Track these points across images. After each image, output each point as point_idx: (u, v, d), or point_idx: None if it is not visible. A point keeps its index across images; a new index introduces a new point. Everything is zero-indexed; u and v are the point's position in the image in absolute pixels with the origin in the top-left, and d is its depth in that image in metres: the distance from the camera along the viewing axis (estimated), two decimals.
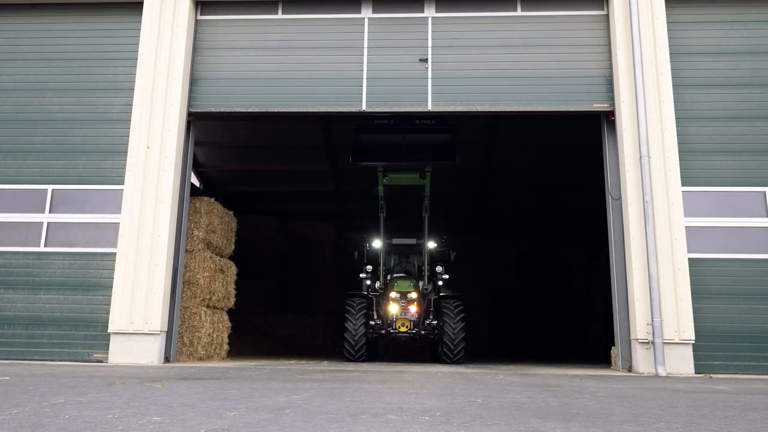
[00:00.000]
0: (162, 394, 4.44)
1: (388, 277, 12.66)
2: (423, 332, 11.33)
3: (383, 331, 11.26)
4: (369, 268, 12.25)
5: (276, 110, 9.58)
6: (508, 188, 20.92)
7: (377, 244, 13.19)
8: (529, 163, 19.36)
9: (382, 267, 12.66)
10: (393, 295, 11.36)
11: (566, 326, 21.36)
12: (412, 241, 13.27)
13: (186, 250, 9.80)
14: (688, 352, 8.14)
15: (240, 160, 20.58)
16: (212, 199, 10.58)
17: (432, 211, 13.58)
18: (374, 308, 11.72)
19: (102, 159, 9.30)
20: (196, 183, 20.91)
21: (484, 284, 21.55)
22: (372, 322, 11.34)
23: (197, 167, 20.45)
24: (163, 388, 4.90)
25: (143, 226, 8.86)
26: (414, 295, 11.32)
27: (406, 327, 11.13)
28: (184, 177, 9.36)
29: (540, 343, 21.15)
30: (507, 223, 22.63)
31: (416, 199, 14.20)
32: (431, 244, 13.03)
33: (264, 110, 9.58)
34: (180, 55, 9.37)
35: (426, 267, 12.38)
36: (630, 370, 8.45)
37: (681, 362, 8.10)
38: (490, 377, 6.85)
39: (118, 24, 9.77)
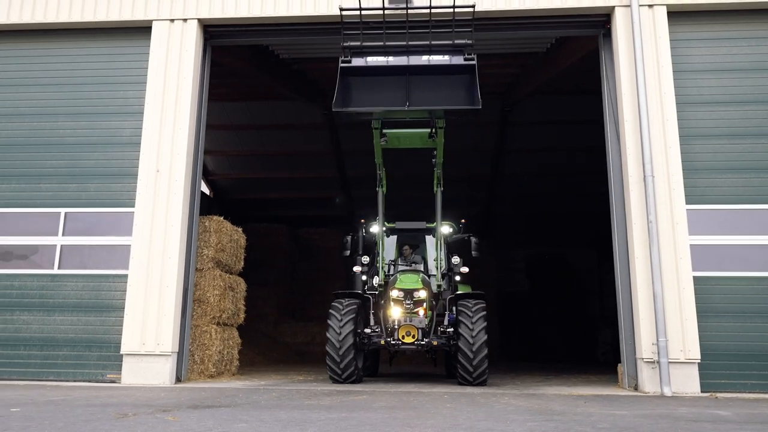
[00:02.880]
0: (173, 430, 4.57)
1: (391, 271, 10.24)
2: (435, 342, 8.97)
3: (382, 342, 8.94)
4: (365, 260, 10.13)
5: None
6: (516, 190, 21.06)
7: (375, 228, 10.60)
8: (540, 167, 19.51)
9: (381, 258, 9.94)
10: (394, 294, 8.87)
11: (577, 329, 21.37)
12: (421, 225, 10.63)
13: (196, 268, 9.96)
14: (694, 372, 8.18)
15: (249, 168, 20.87)
16: (221, 218, 10.74)
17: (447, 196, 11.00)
18: (371, 311, 9.56)
19: (113, 182, 9.48)
20: (206, 191, 21.18)
21: (494, 287, 21.62)
22: (368, 330, 9.18)
23: (207, 176, 20.75)
24: (174, 421, 5.04)
25: (154, 248, 9.03)
26: (422, 294, 8.84)
27: (413, 336, 8.64)
28: (193, 199, 9.52)
29: (552, 346, 21.21)
30: (516, 226, 22.74)
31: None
32: (446, 230, 10.63)
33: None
34: (188, 79, 9.54)
35: (439, 258, 9.87)
36: (636, 388, 8.50)
37: (687, 381, 8.15)
38: (495, 400, 6.94)
39: (127, 48, 9.95)
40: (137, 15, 9.79)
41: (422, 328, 8.78)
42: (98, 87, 9.93)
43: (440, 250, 9.94)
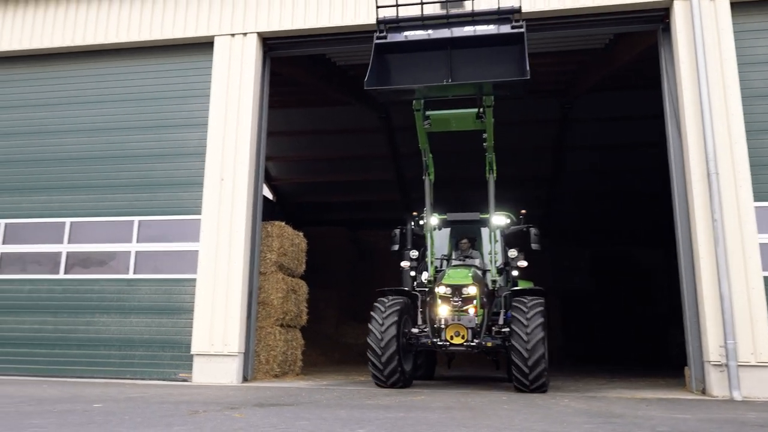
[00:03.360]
0: (239, 427, 4.85)
1: (443, 266, 9.57)
2: (490, 343, 8.22)
3: (429, 343, 8.36)
4: (413, 254, 9.40)
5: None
6: (578, 188, 20.67)
7: (428, 220, 9.68)
8: (602, 164, 19.11)
9: (431, 253, 9.22)
10: (441, 290, 8.20)
11: (647, 330, 20.75)
12: (474, 215, 9.77)
13: (260, 272, 10.35)
14: (766, 375, 7.87)
15: (309, 172, 21.37)
16: (283, 223, 11.10)
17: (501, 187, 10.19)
18: (419, 310, 9.03)
19: (181, 191, 10.00)
20: (270, 196, 21.83)
21: (556, 286, 21.27)
22: (415, 330, 8.64)
23: (270, 181, 21.40)
24: (241, 418, 5.32)
25: (220, 253, 9.46)
26: (472, 290, 8.11)
27: (462, 337, 7.95)
28: (255, 205, 9.91)
29: (618, 347, 20.69)
30: (579, 224, 22.32)
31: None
32: (501, 220, 9.86)
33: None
34: (249, 91, 9.94)
35: (494, 251, 9.13)
36: (704, 392, 8.26)
37: (758, 385, 7.85)
38: (554, 402, 6.92)
39: (192, 63, 10.47)
40: (201, 32, 10.28)
41: (472, 328, 8.02)
42: (166, 101, 10.48)
43: (494, 242, 9.10)
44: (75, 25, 10.84)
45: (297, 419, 5.29)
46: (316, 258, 14.41)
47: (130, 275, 9.92)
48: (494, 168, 9.02)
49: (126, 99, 10.66)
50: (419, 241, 9.96)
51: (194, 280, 9.56)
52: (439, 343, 8.15)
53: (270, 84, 10.60)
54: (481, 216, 9.73)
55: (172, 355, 9.47)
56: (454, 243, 9.83)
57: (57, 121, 10.82)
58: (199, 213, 9.78)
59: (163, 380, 9.37)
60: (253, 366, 9.69)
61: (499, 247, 9.46)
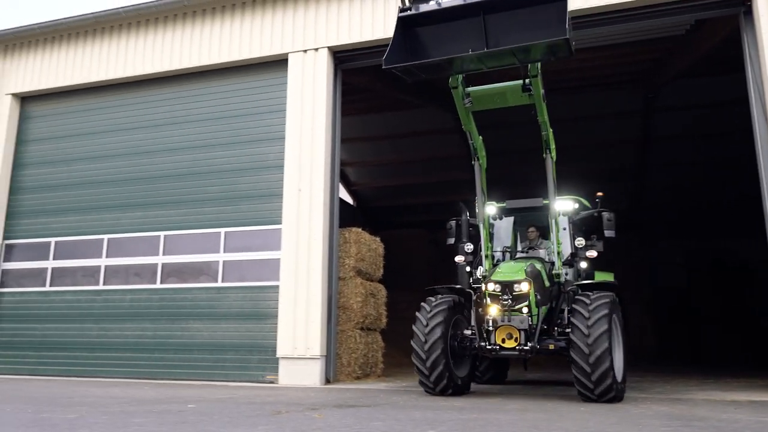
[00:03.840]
0: (317, 426, 5.12)
1: (506, 259, 8.71)
2: (552, 346, 7.25)
3: (477, 346, 7.49)
4: (468, 247, 8.38)
5: None
6: (668, 180, 19.78)
7: (486, 210, 8.50)
8: (691, 154, 18.18)
9: (485, 244, 8.12)
10: (490, 288, 7.27)
11: (751, 328, 19.51)
12: (537, 201, 8.69)
13: (339, 277, 10.71)
14: None
15: (387, 176, 21.71)
16: (360, 229, 11.42)
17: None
18: (473, 309, 8.01)
19: (262, 202, 10.54)
20: (350, 201, 22.37)
21: (647, 285, 20.41)
22: (468, 331, 7.85)
23: (349, 185, 21.93)
24: (320, 418, 5.61)
25: (299, 260, 9.89)
26: (525, 286, 7.12)
27: (515, 340, 7.07)
28: (332, 212, 10.28)
29: (718, 346, 19.58)
30: (670, 217, 21.34)
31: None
32: (567, 206, 8.72)
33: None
34: (321, 103, 10.34)
35: (557, 240, 7.96)
36: None
37: None
38: (635, 404, 6.77)
39: (268, 81, 11.01)
40: (275, 50, 10.79)
41: (525, 330, 7.05)
42: (246, 117, 11.08)
43: (557, 230, 7.94)
44: (162, 53, 11.67)
45: (372, 420, 5.51)
46: (397, 260, 14.65)
47: (219, 283, 10.56)
48: (552, 146, 7.76)
49: (210, 118, 11.35)
50: (478, 233, 8.73)
51: (277, 286, 10.04)
52: (488, 347, 7.24)
53: (343, 93, 10.97)
54: (545, 201, 8.48)
55: (260, 358, 9.99)
56: (521, 233, 9.05)
57: (149, 141, 11.69)
58: (279, 223, 10.27)
59: (252, 382, 9.90)
60: (335, 368, 10.05)
61: (566, 235, 8.51)
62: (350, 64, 10.86)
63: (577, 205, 8.89)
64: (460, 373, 7.82)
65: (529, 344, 7.05)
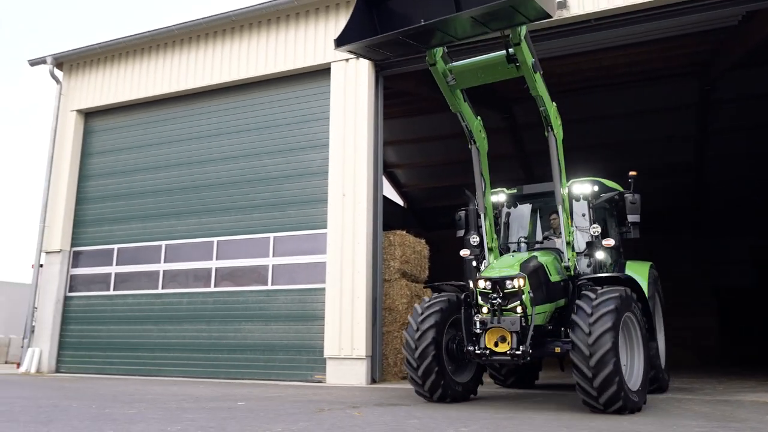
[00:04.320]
0: (355, 423, 5.37)
1: (523, 250, 7.95)
2: (558, 349, 6.46)
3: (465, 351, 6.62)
4: (475, 240, 7.58)
5: None
6: (728, 174, 19.10)
7: (496, 198, 8.29)
8: (753, 146, 17.52)
9: (489, 236, 7.29)
10: (481, 285, 6.48)
11: None
12: (552, 186, 7.15)
13: (384, 279, 10.96)
14: None
15: (436, 177, 21.81)
16: (404, 232, 11.62)
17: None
18: (462, 309, 7.14)
19: (308, 208, 10.91)
20: (400, 202, 22.61)
21: (710, 284, 19.76)
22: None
23: (400, 187, 22.15)
24: (359, 416, 5.86)
25: (345, 263, 10.19)
26: (518, 283, 6.28)
27: (507, 344, 6.23)
28: (375, 216, 10.54)
29: None
30: (732, 213, 20.59)
31: None
32: (584, 189, 7.86)
33: None
34: (363, 110, 10.61)
35: (568, 227, 7.03)
36: None
37: None
38: (676, 405, 6.72)
39: (312, 89, 11.38)
40: (318, 60, 11.15)
41: (517, 332, 6.19)
42: (292, 126, 11.48)
43: (566, 217, 7.01)
44: (212, 67, 12.23)
45: (409, 417, 5.72)
46: (448, 261, 14.73)
47: (269, 286, 10.99)
48: (554, 123, 6.83)
49: (258, 127, 11.81)
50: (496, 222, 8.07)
51: (323, 289, 10.38)
52: (476, 351, 6.39)
53: (390, 96, 11.22)
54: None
55: (308, 358, 10.35)
56: (543, 221, 8.16)
57: (202, 151, 12.26)
58: (325, 227, 10.61)
59: (301, 382, 10.27)
60: (381, 368, 10.29)
61: (585, 222, 7.70)
62: (391, 71, 11.08)
63: (596, 188, 7.87)
64: (461, 378, 7.20)
65: (521, 349, 6.12)
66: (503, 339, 6.27)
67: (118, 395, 8.03)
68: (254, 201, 11.47)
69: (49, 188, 13.42)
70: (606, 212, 8.27)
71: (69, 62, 13.92)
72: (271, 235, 11.16)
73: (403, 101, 14.72)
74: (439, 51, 6.46)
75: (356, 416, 5.86)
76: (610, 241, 7.38)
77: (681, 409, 6.33)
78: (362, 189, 10.39)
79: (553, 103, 6.81)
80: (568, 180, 7.49)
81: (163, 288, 12.06)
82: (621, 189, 8.23)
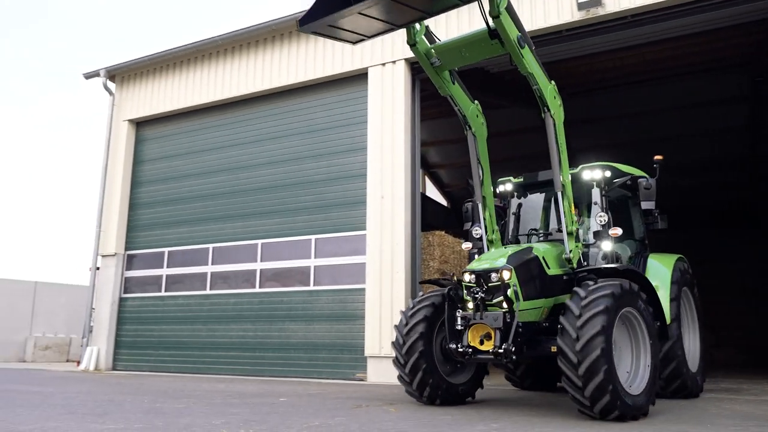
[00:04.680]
0: (389, 419, 5.55)
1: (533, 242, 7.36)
2: (554, 349, 5.62)
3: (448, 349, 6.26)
4: (477, 232, 7.16)
5: None
6: None
7: (503, 187, 7.93)
8: None
9: (490, 228, 7.01)
10: (466, 278, 6.16)
11: None
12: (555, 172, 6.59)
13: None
14: None
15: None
16: (443, 232, 11.76)
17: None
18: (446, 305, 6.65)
19: (349, 210, 11.16)
20: (443, 202, 22.67)
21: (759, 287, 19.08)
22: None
23: (443, 187, 22.22)
24: (395, 412, 6.04)
25: (384, 264, 10.39)
26: (504, 275, 5.91)
27: (491, 342, 5.84)
28: (414, 217, 10.69)
29: None
30: None
31: None
32: (594, 174, 7.23)
33: None
34: (400, 113, 10.79)
35: (570, 215, 6.51)
36: None
37: None
38: (715, 404, 6.64)
39: (350, 94, 11.63)
40: (356, 65, 11.38)
41: (500, 329, 5.78)
42: (332, 130, 11.76)
43: (567, 205, 6.49)
44: (254, 75, 12.63)
45: (444, 414, 5.87)
46: None
47: (312, 287, 11.29)
48: (551, 104, 6.34)
49: (300, 132, 12.14)
50: (498, 214, 7.61)
51: (363, 289, 10.60)
52: (459, 349, 6.03)
53: (426, 98, 11.33)
54: (570, 171, 6.98)
55: (350, 357, 10.59)
56: (555, 211, 7.32)
57: (246, 157, 12.67)
58: (364, 229, 10.83)
59: (343, 380, 10.52)
60: None
61: (597, 210, 7.15)
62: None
63: (608, 173, 7.24)
64: (457, 379, 6.79)
65: (503, 346, 5.70)
66: (488, 336, 5.88)
67: (168, 391, 8.45)
68: (296, 204, 11.80)
69: (104, 195, 14.10)
70: (629, 201, 7.79)
71: (120, 74, 14.60)
72: (313, 237, 11.46)
73: (442, 102, 14.79)
74: (420, 30, 6.28)
75: (392, 412, 6.04)
76: (616, 231, 6.76)
77: (720, 408, 6.27)
78: (400, 190, 10.57)
79: (551, 82, 6.41)
80: (576, 165, 7.27)
81: (211, 289, 12.53)
82: (641, 174, 7.61)
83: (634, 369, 5.83)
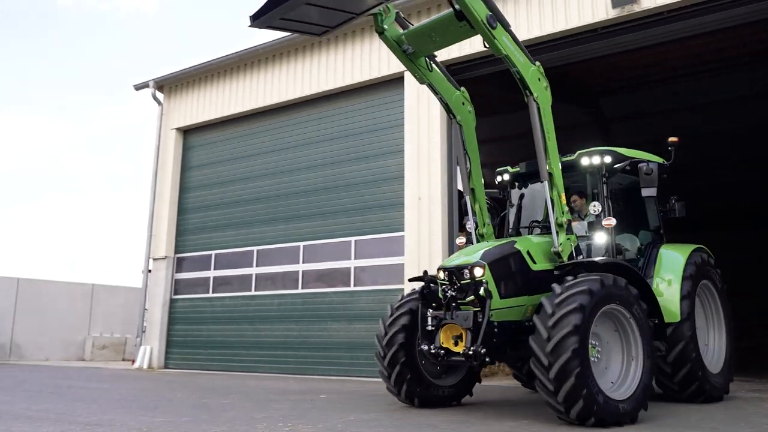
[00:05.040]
0: (421, 413, 5.73)
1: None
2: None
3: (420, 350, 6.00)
4: (470, 226, 6.86)
5: None
6: None
7: (500, 177, 7.56)
8: None
9: (481, 222, 6.81)
10: (441, 276, 5.93)
11: None
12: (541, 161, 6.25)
13: None
14: None
15: None
16: None
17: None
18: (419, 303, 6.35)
19: (386, 212, 11.37)
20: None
21: None
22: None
23: (487, 187, 22.18)
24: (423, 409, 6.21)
25: (421, 264, 10.50)
26: (476, 272, 5.62)
27: (462, 343, 5.53)
28: (450, 218, 10.82)
29: None
30: None
31: None
32: (592, 161, 6.66)
33: None
34: (436, 116, 10.93)
35: (560, 206, 6.03)
36: None
37: None
38: (756, 404, 6.54)
39: (387, 98, 11.84)
40: (392, 69, 11.58)
41: (470, 329, 5.47)
42: (369, 134, 12.00)
43: (556, 195, 6.03)
44: (294, 81, 13.00)
45: (476, 410, 6.02)
46: None
47: (351, 287, 11.56)
48: (533, 86, 5.93)
49: (339, 136, 12.43)
50: (497, 206, 7.43)
51: (402, 289, 10.75)
52: (431, 351, 5.71)
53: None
54: (567, 158, 6.66)
55: None
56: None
57: (288, 161, 13.05)
58: (402, 230, 11.02)
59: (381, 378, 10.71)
60: None
61: (590, 200, 6.69)
62: (466, 75, 11.29)
63: (608, 159, 6.65)
64: (445, 382, 6.52)
65: (472, 348, 5.37)
66: (461, 337, 5.56)
67: (215, 388, 8.85)
68: (336, 207, 12.09)
69: (155, 200, 14.74)
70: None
71: (168, 85, 15.21)
72: (353, 239, 11.72)
73: (479, 103, 14.82)
74: (389, 16, 6.09)
75: (425, 410, 6.22)
76: (610, 221, 6.34)
77: (760, 407, 6.20)
78: (437, 192, 10.72)
79: (536, 63, 6.02)
80: (575, 151, 6.80)
81: (255, 290, 12.96)
82: (650, 158, 7.03)
83: (624, 371, 5.42)
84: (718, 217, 19.16)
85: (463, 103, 6.82)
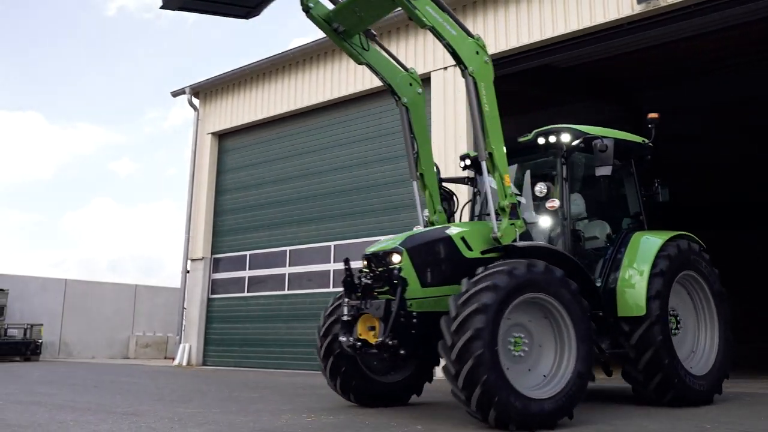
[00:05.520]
0: (436, 411, 5.87)
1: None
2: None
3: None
4: (425, 215, 6.71)
5: None
6: None
7: (463, 162, 7.12)
8: None
9: (432, 209, 6.68)
10: (363, 264, 5.72)
11: None
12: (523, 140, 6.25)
13: None
14: None
15: None
16: None
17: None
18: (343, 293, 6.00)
19: (412, 211, 11.47)
20: None
21: None
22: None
23: None
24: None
25: None
26: (393, 259, 5.33)
27: (374, 334, 5.19)
28: (472, 218, 10.87)
29: None
30: None
31: None
32: (549, 139, 6.14)
33: None
34: (462, 115, 11.03)
35: (503, 190, 5.50)
36: None
37: None
38: (758, 401, 6.47)
39: None
40: (418, 70, 11.44)
41: (382, 319, 5.09)
42: (397, 134, 12.08)
43: (500, 175, 5.47)
44: (324, 85, 13.29)
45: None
46: None
47: None
48: (465, 61, 5.52)
49: (367, 137, 12.65)
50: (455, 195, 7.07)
51: None
52: (349, 342, 5.33)
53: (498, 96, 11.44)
54: (524, 138, 6.32)
55: None
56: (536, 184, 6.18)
57: (318, 163, 13.34)
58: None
59: None
60: None
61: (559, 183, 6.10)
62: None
63: (566, 137, 6.06)
64: (388, 378, 6.11)
65: (387, 339, 5.00)
66: (373, 328, 5.18)
67: (248, 383, 9.17)
68: (365, 207, 12.31)
69: (192, 203, 15.23)
70: (622, 171, 6.65)
71: (204, 91, 15.70)
72: (382, 239, 11.87)
73: (509, 101, 14.80)
74: None
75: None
76: (554, 202, 5.87)
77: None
78: (462, 191, 10.80)
79: (475, 35, 5.64)
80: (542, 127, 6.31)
81: (288, 289, 13.28)
82: (629, 137, 6.58)
83: (557, 361, 4.94)
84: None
85: (411, 84, 6.52)
